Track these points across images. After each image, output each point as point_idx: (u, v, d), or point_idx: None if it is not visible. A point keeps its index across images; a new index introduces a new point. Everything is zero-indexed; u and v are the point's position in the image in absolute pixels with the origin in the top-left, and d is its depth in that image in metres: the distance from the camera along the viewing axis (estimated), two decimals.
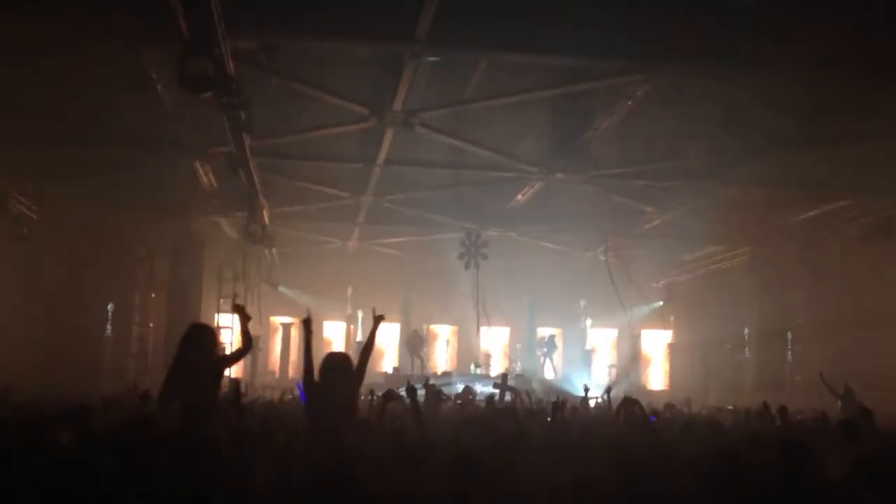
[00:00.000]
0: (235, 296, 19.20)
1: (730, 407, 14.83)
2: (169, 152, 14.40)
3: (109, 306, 19.72)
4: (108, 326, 19.78)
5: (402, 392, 7.76)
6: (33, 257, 17.08)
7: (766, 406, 10.17)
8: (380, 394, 8.41)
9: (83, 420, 7.43)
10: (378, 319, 7.72)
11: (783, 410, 10.08)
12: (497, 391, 15.78)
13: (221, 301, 21.28)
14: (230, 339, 20.61)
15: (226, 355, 8.16)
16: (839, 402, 12.54)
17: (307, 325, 7.54)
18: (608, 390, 10.80)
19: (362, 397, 14.28)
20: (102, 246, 18.10)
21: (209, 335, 7.41)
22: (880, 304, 16.92)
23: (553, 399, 9.53)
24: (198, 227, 19.95)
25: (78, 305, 18.03)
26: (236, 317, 7.57)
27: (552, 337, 25.80)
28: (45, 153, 14.57)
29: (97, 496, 4.15)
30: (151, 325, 20.78)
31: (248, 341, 7.58)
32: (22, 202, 16.50)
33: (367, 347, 7.65)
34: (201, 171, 15.41)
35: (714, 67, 10.58)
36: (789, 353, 20.90)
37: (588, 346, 26.31)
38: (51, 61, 10.58)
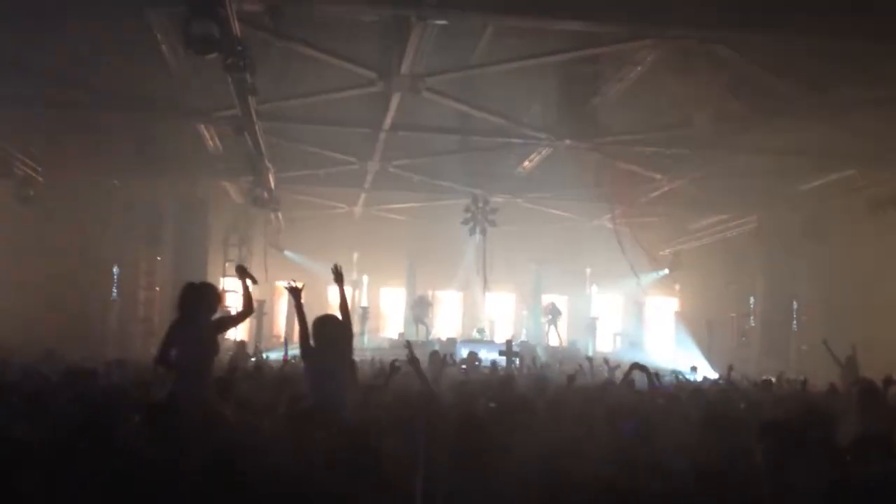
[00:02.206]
0: (229, 262, 19.20)
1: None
2: (175, 115, 14.35)
3: (115, 269, 19.75)
4: (115, 289, 19.83)
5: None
6: (39, 219, 17.09)
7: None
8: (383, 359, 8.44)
9: (84, 384, 7.48)
10: (335, 273, 7.63)
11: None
12: (501, 357, 15.85)
13: (227, 264, 21.31)
14: (236, 302, 20.68)
15: (228, 316, 8.15)
16: (840, 370, 12.53)
17: (295, 294, 7.51)
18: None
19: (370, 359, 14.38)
20: (107, 208, 18.10)
21: (204, 295, 7.37)
22: (886, 273, 16.89)
23: (557, 364, 9.61)
24: (204, 191, 19.94)
25: (84, 268, 18.04)
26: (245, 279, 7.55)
27: (556, 304, 25.79)
28: (51, 116, 14.52)
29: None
30: (158, 288, 20.81)
31: (250, 303, 7.57)
32: (27, 164, 16.49)
33: (342, 303, 7.60)
34: (207, 135, 15.36)
35: (723, 33, 10.49)
36: (794, 322, 20.91)
37: (593, 314, 26.32)
38: (56, 23, 10.49)
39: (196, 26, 8.44)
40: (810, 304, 20.37)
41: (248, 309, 7.60)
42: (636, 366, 8.36)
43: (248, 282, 7.51)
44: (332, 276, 7.56)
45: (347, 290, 7.92)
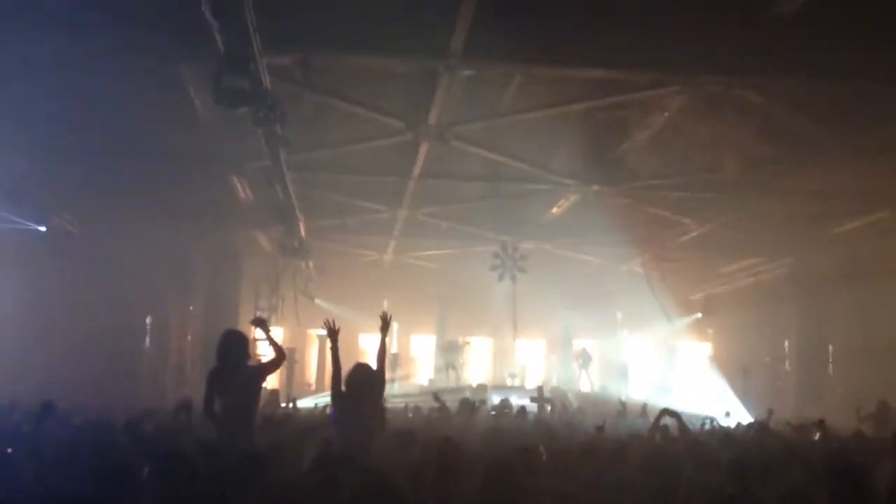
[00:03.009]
0: (259, 311, 19.29)
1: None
2: (207, 167, 14.53)
3: (148, 319, 19.90)
4: (147, 339, 19.96)
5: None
6: (72, 270, 17.28)
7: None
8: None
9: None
10: (383, 321, 7.70)
11: None
12: (531, 403, 15.74)
13: (258, 313, 21.41)
14: (265, 351, 20.74)
15: (262, 364, 8.20)
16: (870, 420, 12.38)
17: (332, 335, 7.56)
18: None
19: (403, 406, 14.36)
20: (140, 258, 18.28)
21: (243, 342, 7.45)
22: None
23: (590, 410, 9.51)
24: (235, 240, 20.11)
25: (117, 318, 18.18)
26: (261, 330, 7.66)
27: (586, 350, 25.61)
28: (85, 166, 14.74)
29: None
30: (189, 337, 20.94)
31: (281, 351, 7.62)
32: (62, 216, 16.73)
33: (381, 351, 7.64)
34: (238, 185, 15.53)
35: (750, 79, 10.49)
36: (831, 366, 20.60)
37: (625, 359, 26.10)
38: (90, 77, 10.71)
39: (227, 80, 8.58)
40: (846, 348, 20.07)
41: (281, 356, 7.67)
42: (666, 411, 8.28)
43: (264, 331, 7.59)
44: (366, 324, 7.66)
45: (377, 337, 7.97)
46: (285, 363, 9.38)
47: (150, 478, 4.95)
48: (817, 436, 9.65)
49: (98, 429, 7.90)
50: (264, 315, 14.71)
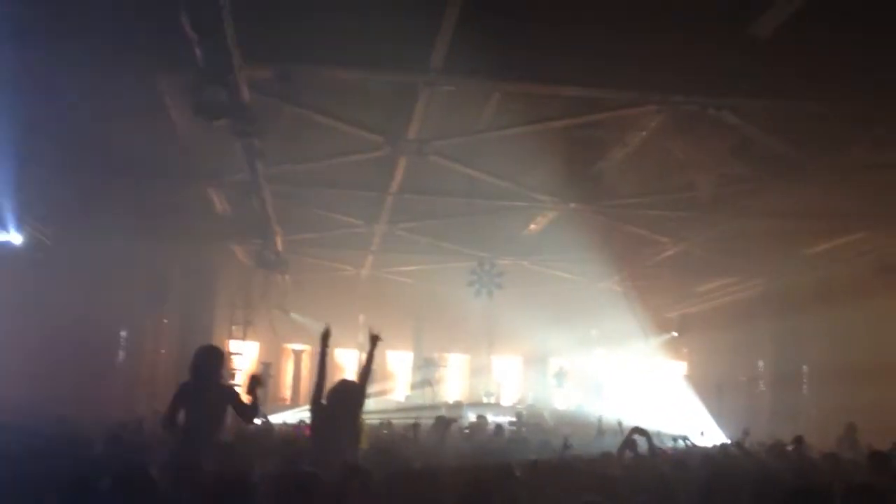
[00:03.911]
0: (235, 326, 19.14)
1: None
2: (182, 179, 14.45)
3: (122, 332, 19.75)
4: (121, 352, 19.80)
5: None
6: (45, 283, 17.13)
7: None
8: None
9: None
10: (374, 339, 7.70)
11: None
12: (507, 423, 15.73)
13: (233, 328, 21.28)
14: (240, 365, 20.61)
15: (236, 394, 7.98)
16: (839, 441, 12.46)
17: (325, 338, 7.52)
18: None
19: (378, 423, 14.31)
20: (114, 271, 18.14)
21: (217, 358, 7.38)
22: None
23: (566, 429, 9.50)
24: (211, 253, 20.00)
25: (91, 331, 18.03)
26: (250, 386, 7.62)
27: (563, 367, 25.65)
28: (59, 179, 14.63)
29: None
30: (163, 351, 20.78)
31: (254, 414, 7.56)
32: (37, 228, 16.58)
33: (367, 368, 7.63)
34: (215, 198, 15.46)
35: (727, 99, 10.57)
36: (804, 385, 20.71)
37: (601, 377, 26.14)
38: (65, 88, 10.64)
39: (205, 93, 8.55)
40: (820, 368, 20.18)
41: (251, 418, 7.62)
42: (637, 430, 8.28)
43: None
44: (342, 338, 7.64)
45: (354, 353, 7.97)
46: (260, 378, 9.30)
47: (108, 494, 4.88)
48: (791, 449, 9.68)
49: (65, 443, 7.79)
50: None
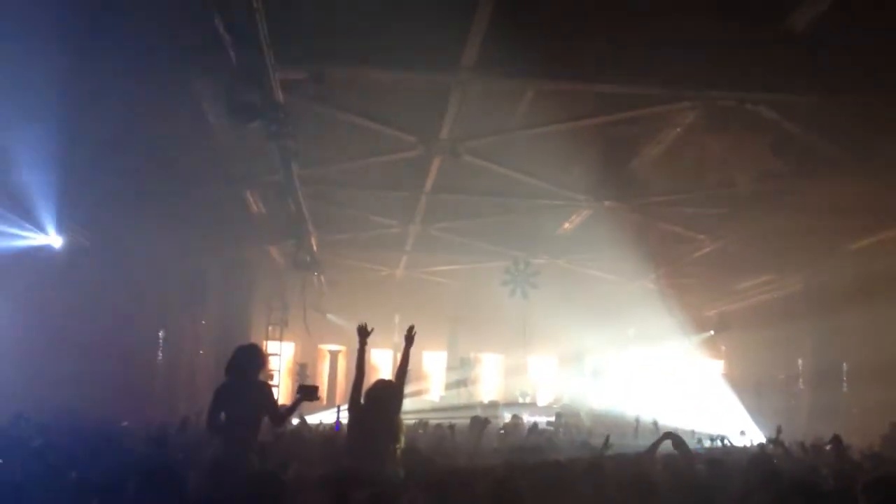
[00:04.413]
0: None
1: None
2: (220, 181, 14.57)
3: (161, 333, 19.94)
4: (160, 353, 20.00)
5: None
6: (85, 285, 17.32)
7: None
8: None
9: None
10: (409, 336, 7.68)
11: None
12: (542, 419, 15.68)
13: (270, 328, 21.41)
14: (278, 366, 20.74)
15: (271, 398, 7.94)
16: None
17: (363, 334, 7.52)
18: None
19: (414, 423, 14.34)
20: (154, 273, 18.32)
21: (256, 357, 7.41)
22: None
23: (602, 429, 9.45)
24: (247, 255, 20.14)
25: (130, 332, 18.21)
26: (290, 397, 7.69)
27: (598, 367, 25.50)
28: (99, 182, 14.80)
29: None
30: (202, 351, 20.97)
31: (285, 418, 7.60)
32: (76, 231, 16.79)
33: (403, 367, 7.63)
34: (251, 199, 15.57)
35: (763, 94, 10.45)
36: (845, 384, 20.41)
37: (637, 375, 25.94)
38: (103, 92, 10.76)
39: (239, 95, 8.61)
40: (861, 366, 19.88)
41: (284, 419, 7.66)
42: (668, 435, 8.15)
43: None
44: (377, 339, 7.62)
45: (388, 353, 7.99)
46: (296, 378, 9.29)
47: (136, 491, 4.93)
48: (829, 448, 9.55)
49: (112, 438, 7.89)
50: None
